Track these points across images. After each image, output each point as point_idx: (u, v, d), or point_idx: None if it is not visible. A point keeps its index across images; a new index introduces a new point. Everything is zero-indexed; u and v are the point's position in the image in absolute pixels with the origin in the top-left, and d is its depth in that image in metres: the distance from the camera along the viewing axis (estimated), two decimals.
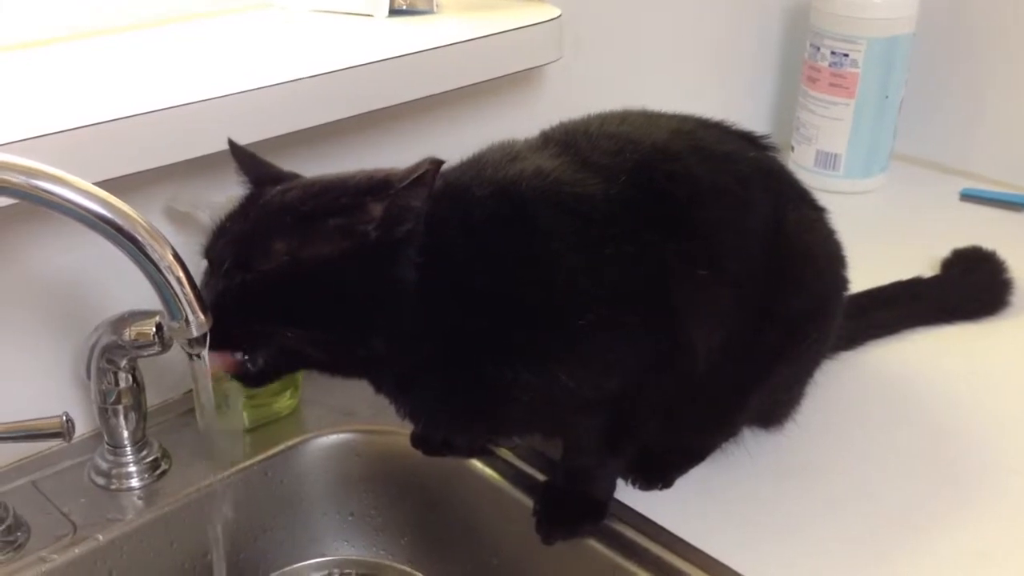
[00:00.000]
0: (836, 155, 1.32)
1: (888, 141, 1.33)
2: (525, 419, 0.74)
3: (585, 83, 1.12)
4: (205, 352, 0.62)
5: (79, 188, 0.56)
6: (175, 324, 0.60)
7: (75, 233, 0.79)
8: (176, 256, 0.59)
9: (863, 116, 1.29)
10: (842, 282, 0.83)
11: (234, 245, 0.65)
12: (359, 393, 0.75)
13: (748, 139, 0.82)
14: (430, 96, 0.93)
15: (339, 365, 0.69)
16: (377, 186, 0.64)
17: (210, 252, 0.66)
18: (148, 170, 0.76)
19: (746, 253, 0.74)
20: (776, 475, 0.83)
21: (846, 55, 1.27)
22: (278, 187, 0.67)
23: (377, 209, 0.63)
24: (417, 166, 0.62)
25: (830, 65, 1.28)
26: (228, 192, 0.72)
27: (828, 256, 0.81)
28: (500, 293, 0.67)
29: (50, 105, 0.75)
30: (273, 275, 0.63)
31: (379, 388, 0.73)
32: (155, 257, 0.58)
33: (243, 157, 0.70)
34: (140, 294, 0.68)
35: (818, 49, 1.29)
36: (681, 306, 0.71)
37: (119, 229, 0.57)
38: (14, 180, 0.55)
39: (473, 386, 0.69)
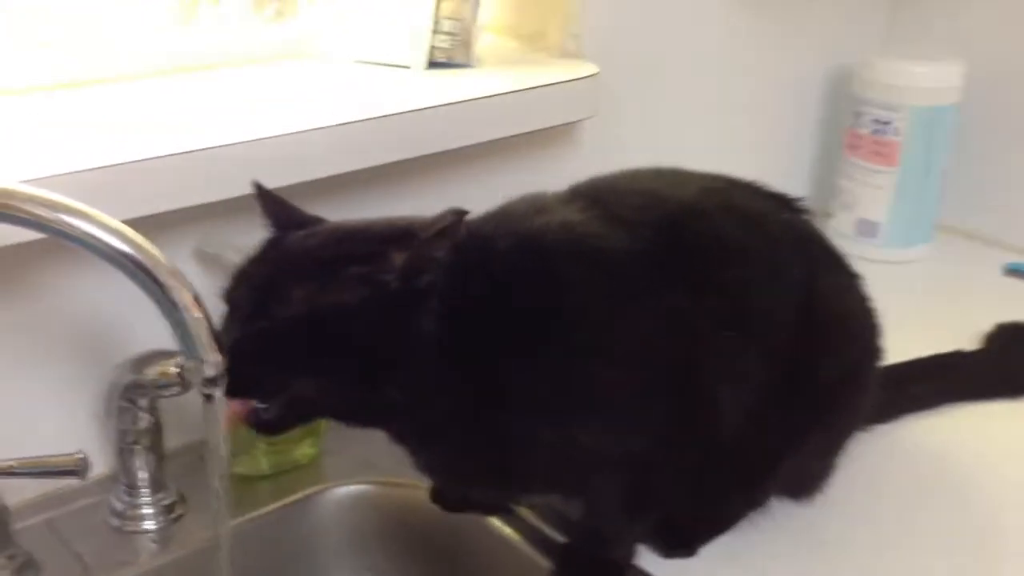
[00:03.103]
0: (876, 223, 1.30)
1: (931, 211, 1.31)
2: (544, 477, 0.72)
3: (620, 140, 1.12)
4: (219, 393, 0.62)
5: (102, 224, 0.56)
6: (191, 363, 0.60)
7: (101, 270, 0.78)
8: (195, 296, 0.59)
9: (905, 185, 1.27)
10: (876, 351, 0.81)
11: (253, 290, 0.65)
12: (381, 444, 0.74)
13: (781, 201, 0.81)
14: (464, 147, 0.93)
15: (356, 415, 0.69)
16: (399, 235, 0.63)
17: (229, 296, 0.66)
18: (180, 209, 0.77)
19: (776, 316, 0.73)
20: (806, 549, 0.80)
21: (888, 123, 1.25)
22: (300, 232, 0.67)
23: (399, 258, 0.63)
24: (441, 216, 0.62)
25: (872, 133, 1.27)
26: (259, 236, 0.72)
27: (862, 323, 0.79)
28: (520, 347, 0.66)
29: (87, 143, 0.76)
30: (291, 322, 0.63)
31: (396, 439, 0.72)
32: (174, 296, 0.58)
33: (268, 200, 0.70)
34: (164, 333, 0.67)
35: (860, 116, 1.28)
36: (706, 367, 0.70)
37: (139, 266, 0.57)
38: (40, 213, 0.56)
39: (491, 441, 0.68)
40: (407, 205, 0.86)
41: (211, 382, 0.61)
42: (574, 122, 1.02)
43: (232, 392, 0.63)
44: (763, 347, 0.72)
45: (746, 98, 1.30)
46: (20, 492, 0.82)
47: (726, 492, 0.78)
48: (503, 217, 0.71)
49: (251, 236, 0.76)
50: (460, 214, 0.61)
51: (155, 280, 0.58)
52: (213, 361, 0.60)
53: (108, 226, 0.56)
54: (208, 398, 0.62)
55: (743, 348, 0.71)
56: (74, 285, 0.81)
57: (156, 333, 0.75)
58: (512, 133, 0.96)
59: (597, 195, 0.73)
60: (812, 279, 0.75)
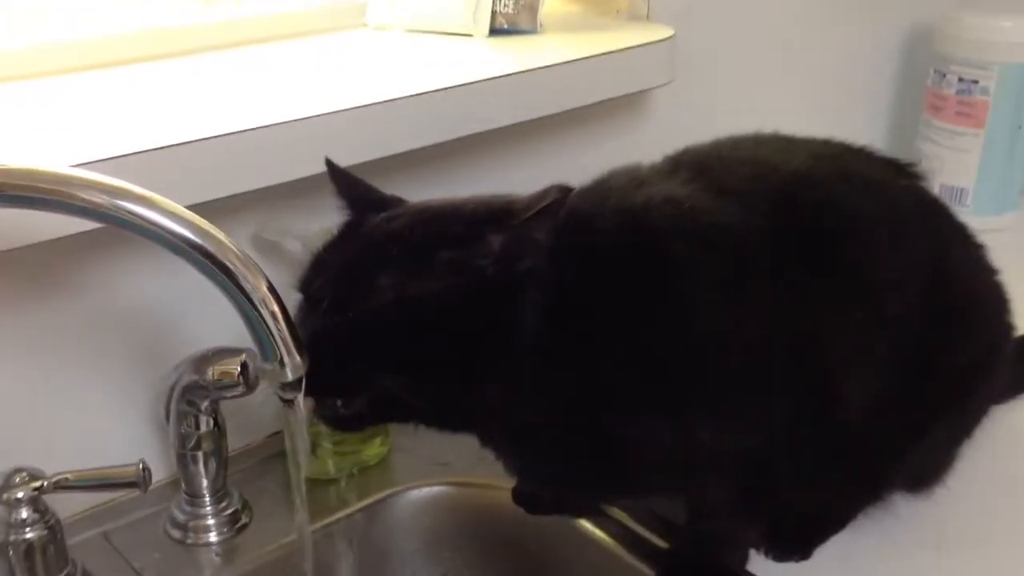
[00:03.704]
0: (963, 189, 1.22)
1: (1022, 175, 1.23)
2: (653, 478, 0.66)
3: (695, 106, 1.05)
4: (300, 398, 0.55)
5: (167, 210, 0.50)
6: (268, 366, 0.54)
7: (157, 263, 0.75)
8: (271, 288, 0.53)
9: (994, 148, 1.19)
10: (1009, 328, 0.74)
11: (334, 279, 0.58)
12: (454, 441, 0.68)
13: (895, 166, 0.74)
14: (534, 119, 0.86)
15: (445, 417, 0.62)
16: (497, 215, 0.57)
17: (307, 286, 0.60)
18: (236, 195, 0.71)
19: (905, 293, 0.66)
20: (930, 547, 0.74)
21: (975, 82, 1.17)
22: (382, 214, 0.61)
23: (496, 241, 0.56)
24: (544, 194, 0.56)
25: (956, 93, 1.19)
26: (322, 221, 0.66)
27: (995, 299, 0.73)
28: (629, 338, 0.59)
29: (131, 126, 0.70)
30: (377, 314, 0.57)
31: (486, 442, 0.66)
32: (248, 288, 0.52)
33: (342, 179, 0.64)
34: (225, 331, 0.62)
35: (943, 76, 1.20)
36: (831, 350, 0.63)
37: (209, 256, 0.51)
38: (98, 201, 0.50)
39: (597, 441, 0.61)
40: (478, 182, 0.81)
41: (291, 387, 0.55)
42: (649, 89, 0.95)
43: (312, 391, 0.57)
44: (890, 326, 0.65)
45: (822, 60, 1.23)
46: (74, 503, 0.77)
47: (845, 486, 0.72)
48: (601, 192, 0.64)
49: (313, 221, 0.71)
50: (564, 191, 0.55)
51: (226, 272, 0.52)
52: (293, 363, 0.54)
53: (174, 213, 0.50)
54: (288, 403, 0.56)
55: (869, 328, 0.64)
56: (127, 280, 0.76)
57: (217, 330, 0.70)
58: (586, 102, 0.89)
59: (700, 165, 0.66)
60: (941, 251, 0.69)
